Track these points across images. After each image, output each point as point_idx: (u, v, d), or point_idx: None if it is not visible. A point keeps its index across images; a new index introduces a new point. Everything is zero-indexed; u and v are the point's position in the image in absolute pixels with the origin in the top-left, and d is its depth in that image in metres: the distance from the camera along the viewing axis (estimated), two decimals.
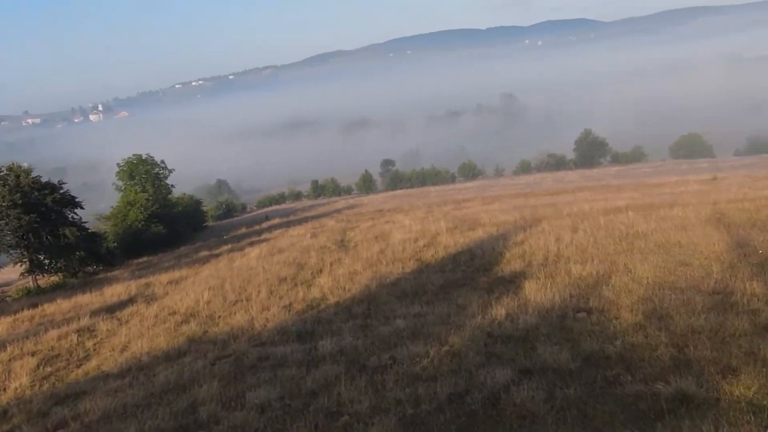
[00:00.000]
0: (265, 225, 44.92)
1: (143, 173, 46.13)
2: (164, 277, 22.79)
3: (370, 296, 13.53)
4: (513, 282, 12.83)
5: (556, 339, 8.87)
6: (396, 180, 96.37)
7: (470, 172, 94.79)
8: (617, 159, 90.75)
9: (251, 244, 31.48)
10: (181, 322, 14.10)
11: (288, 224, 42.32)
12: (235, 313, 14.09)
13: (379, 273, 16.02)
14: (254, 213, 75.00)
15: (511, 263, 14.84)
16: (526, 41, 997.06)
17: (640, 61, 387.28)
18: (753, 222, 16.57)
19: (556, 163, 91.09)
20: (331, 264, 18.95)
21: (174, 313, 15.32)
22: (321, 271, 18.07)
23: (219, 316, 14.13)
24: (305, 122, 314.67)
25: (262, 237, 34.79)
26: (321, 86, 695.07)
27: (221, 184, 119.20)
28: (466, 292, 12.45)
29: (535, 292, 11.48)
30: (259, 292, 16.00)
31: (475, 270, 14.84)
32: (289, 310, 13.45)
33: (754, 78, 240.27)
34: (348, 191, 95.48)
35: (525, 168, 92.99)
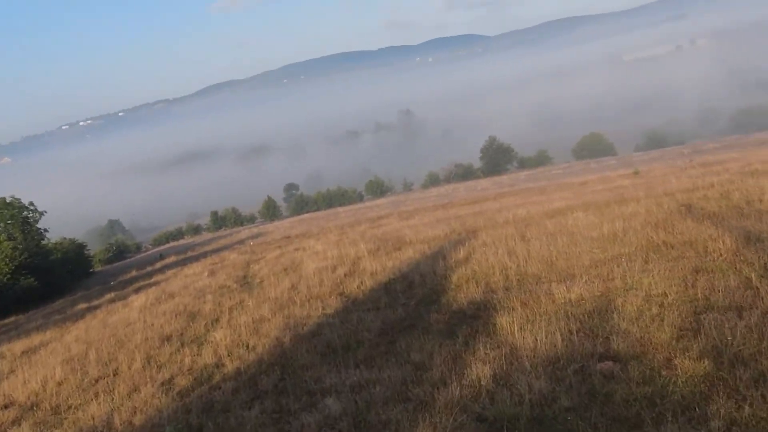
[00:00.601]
0: (158, 265, 40.05)
1: (8, 218, 40.00)
2: (20, 345, 18.06)
3: (284, 356, 9.72)
4: (478, 317, 9.34)
5: (598, 420, 5.41)
6: (301, 204, 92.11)
7: (378, 189, 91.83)
8: (524, 164, 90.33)
9: (138, 289, 26.87)
10: (12, 423, 9.79)
11: (184, 262, 37.77)
12: (92, 399, 9.92)
13: (292, 318, 12.23)
14: (149, 252, 69.00)
15: (464, 289, 11.38)
16: (417, 59, 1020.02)
17: (529, 70, 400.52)
18: (737, 210, 13.88)
19: (464, 173, 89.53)
20: (231, 310, 14.99)
21: (8, 405, 10.95)
22: (217, 320, 14.10)
23: (69, 407, 9.92)
24: (202, 154, 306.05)
25: (153, 280, 30.19)
26: (215, 117, 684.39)
27: (113, 225, 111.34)
28: (419, 340, 8.83)
29: (518, 331, 8.03)
30: (132, 360, 11.84)
31: (420, 303, 11.29)
32: (169, 390, 9.44)
33: (635, 78, 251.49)
34: (251, 220, 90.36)
35: (434, 180, 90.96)
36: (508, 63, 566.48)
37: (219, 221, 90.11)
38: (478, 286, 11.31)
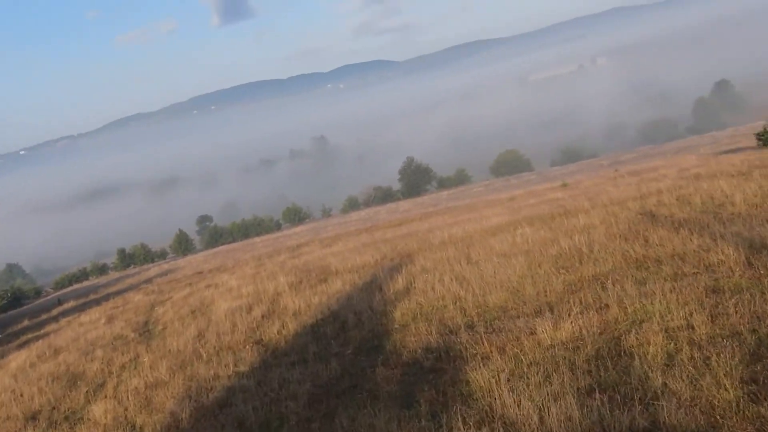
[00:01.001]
0: (54, 312, 35.89)
1: None
2: None
3: None
4: (442, 371, 7.01)
5: None
6: (215, 236, 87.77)
7: (296, 216, 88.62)
8: (443, 184, 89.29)
9: (24, 344, 23.18)
10: None
11: (84, 306, 33.85)
12: None
13: (196, 380, 9.59)
14: (48, 297, 63.38)
15: (412, 329, 9.04)
16: (329, 85, 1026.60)
17: (439, 92, 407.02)
18: (711, 215, 12.21)
19: (384, 196, 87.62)
20: (122, 368, 12.17)
21: None
22: (103, 386, 11.23)
23: None
24: (110, 189, 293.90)
25: (43, 330, 26.37)
26: (123, 151, 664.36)
27: (12, 269, 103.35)
28: (367, 412, 6.39)
29: (507, 393, 5.71)
30: None
31: (358, 351, 8.90)
32: None
33: (542, 97, 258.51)
34: (163, 256, 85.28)
35: (353, 204, 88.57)
36: (418, 86, 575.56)
37: (127, 259, 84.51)
38: (430, 325, 9.00)
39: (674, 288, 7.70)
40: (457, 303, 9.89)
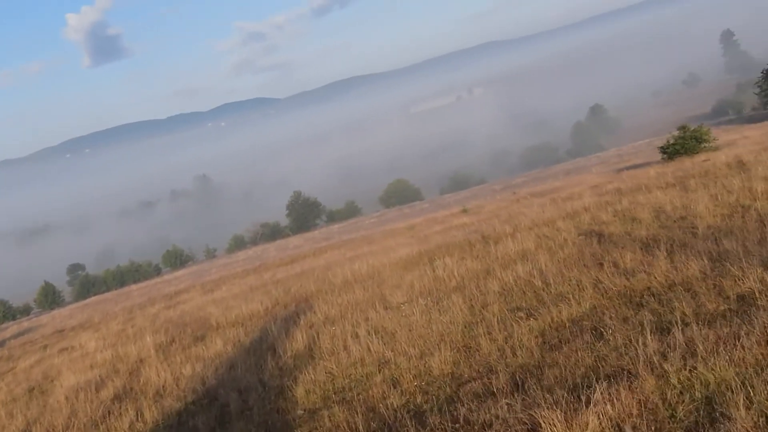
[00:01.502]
0: None
1: None
2: None
3: None
4: None
5: None
6: (87, 286, 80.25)
7: (177, 259, 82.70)
8: (333, 217, 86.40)
9: None
10: None
11: None
12: None
13: None
14: None
15: (326, 420, 6.12)
16: (209, 124, 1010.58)
17: (322, 127, 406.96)
18: (677, 229, 9.98)
19: (272, 232, 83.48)
20: None
21: None
22: None
23: None
24: None
25: None
26: None
27: None
28: None
29: None
30: None
31: None
32: None
33: (424, 128, 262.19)
34: (26, 311, 76.88)
35: (239, 243, 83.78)
36: (301, 122, 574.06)
37: None
38: (351, 411, 6.04)
39: (722, 338, 5.11)
40: (386, 370, 6.98)
